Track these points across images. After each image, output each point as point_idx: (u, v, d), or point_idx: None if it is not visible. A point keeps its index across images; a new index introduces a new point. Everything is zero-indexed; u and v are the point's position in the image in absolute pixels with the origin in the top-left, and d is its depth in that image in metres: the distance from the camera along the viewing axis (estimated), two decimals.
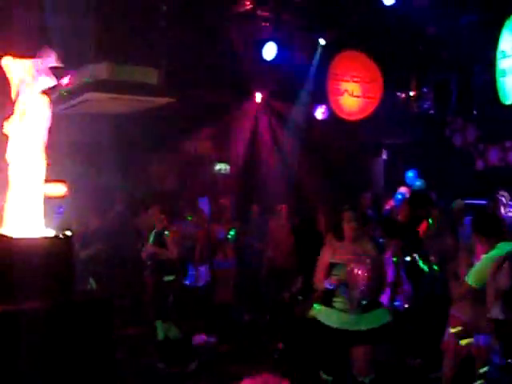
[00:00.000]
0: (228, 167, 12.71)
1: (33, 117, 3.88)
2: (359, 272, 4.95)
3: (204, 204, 10.89)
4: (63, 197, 7.63)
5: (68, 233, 3.60)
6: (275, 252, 8.67)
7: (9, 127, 3.88)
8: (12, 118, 3.91)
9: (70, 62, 6.41)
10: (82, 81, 8.42)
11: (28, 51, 4.07)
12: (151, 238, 7.40)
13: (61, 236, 3.60)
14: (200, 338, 7.85)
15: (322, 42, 10.39)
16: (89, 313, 3.57)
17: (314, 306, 5.39)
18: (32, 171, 3.82)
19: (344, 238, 5.20)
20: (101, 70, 8.36)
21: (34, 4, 7.73)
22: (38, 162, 3.84)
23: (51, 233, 3.70)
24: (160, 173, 11.66)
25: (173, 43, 9.48)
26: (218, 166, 12.61)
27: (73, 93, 8.56)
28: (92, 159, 10.09)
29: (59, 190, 8.78)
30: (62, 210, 7.63)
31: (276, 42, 10.47)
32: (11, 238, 3.56)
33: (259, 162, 12.57)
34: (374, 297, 5.17)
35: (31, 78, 3.89)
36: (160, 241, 7.30)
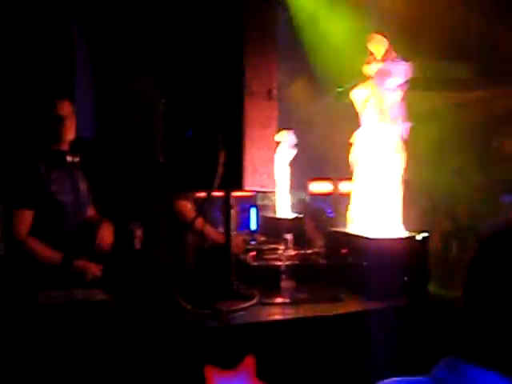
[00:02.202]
0: None
1: (390, 115, 4.03)
2: None
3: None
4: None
5: (425, 234, 3.65)
6: None
7: (364, 125, 4.08)
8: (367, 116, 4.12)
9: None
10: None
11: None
12: None
13: (418, 237, 3.66)
14: None
15: None
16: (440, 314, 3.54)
17: None
18: (390, 170, 3.95)
19: None
20: (413, 67, 8.37)
21: None
22: (396, 160, 3.95)
23: (406, 234, 3.79)
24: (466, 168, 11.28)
25: (485, 36, 9.08)
26: None
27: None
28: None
29: (325, 187, 8.92)
30: (330, 211, 7.73)
31: None
32: (369, 238, 3.71)
33: None
34: None
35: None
36: None
